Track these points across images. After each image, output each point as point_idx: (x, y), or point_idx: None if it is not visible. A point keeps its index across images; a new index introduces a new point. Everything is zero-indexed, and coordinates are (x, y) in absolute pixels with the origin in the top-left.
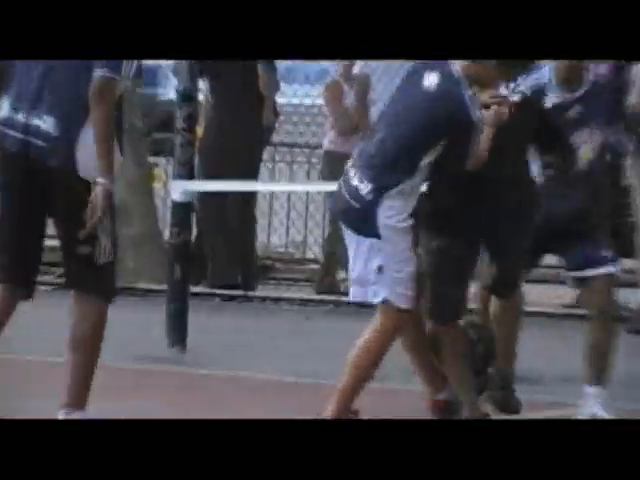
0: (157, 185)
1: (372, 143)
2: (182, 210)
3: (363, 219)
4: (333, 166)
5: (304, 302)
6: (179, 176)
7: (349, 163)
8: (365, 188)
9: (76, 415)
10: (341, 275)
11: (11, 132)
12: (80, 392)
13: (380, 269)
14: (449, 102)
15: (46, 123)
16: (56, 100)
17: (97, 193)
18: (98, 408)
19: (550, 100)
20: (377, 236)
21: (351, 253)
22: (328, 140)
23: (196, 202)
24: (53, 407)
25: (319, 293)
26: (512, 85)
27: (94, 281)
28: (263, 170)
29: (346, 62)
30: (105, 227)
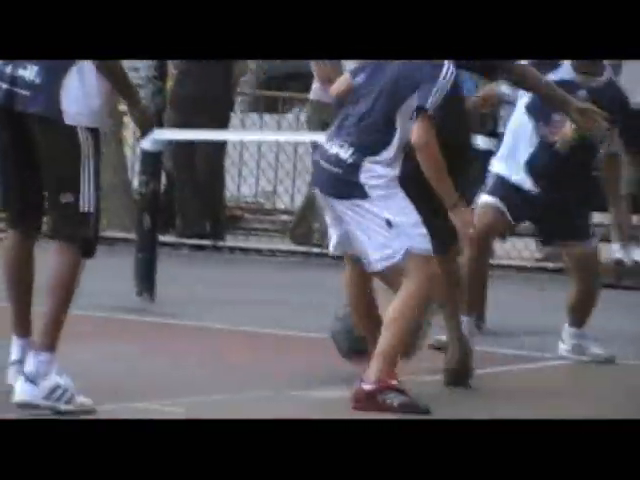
0: (126, 134)
1: (348, 114)
2: (151, 159)
3: (345, 181)
4: (317, 115)
5: (273, 252)
6: None
7: (326, 138)
8: (345, 153)
9: (44, 356)
10: (315, 226)
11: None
12: (50, 336)
13: (389, 223)
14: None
15: (30, 72)
16: None
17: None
18: (67, 354)
19: (564, 76)
20: (364, 195)
21: (357, 233)
22: (313, 91)
23: (165, 151)
24: None
25: (295, 243)
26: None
27: (73, 230)
28: (234, 119)
29: None
30: (88, 174)
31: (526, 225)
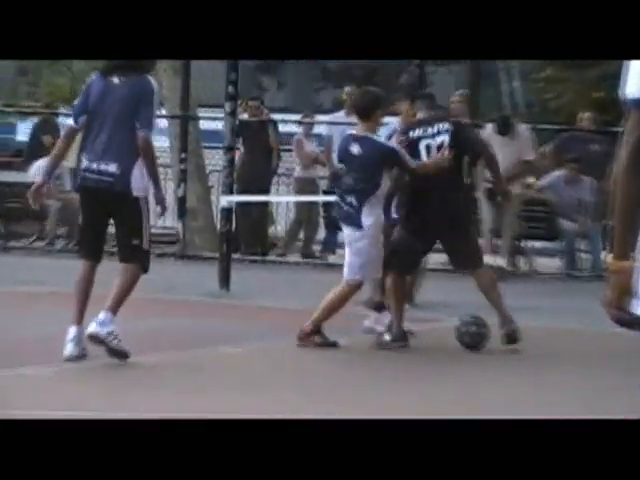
0: None
1: (348, 178)
2: None
3: (352, 216)
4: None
5: None
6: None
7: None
8: (350, 199)
9: (110, 315)
10: None
11: (88, 175)
12: (115, 308)
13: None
14: (373, 150)
15: (112, 166)
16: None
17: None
18: None
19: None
20: (360, 227)
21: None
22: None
23: None
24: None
25: None
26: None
27: (137, 257)
28: None
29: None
30: (147, 227)
31: None
